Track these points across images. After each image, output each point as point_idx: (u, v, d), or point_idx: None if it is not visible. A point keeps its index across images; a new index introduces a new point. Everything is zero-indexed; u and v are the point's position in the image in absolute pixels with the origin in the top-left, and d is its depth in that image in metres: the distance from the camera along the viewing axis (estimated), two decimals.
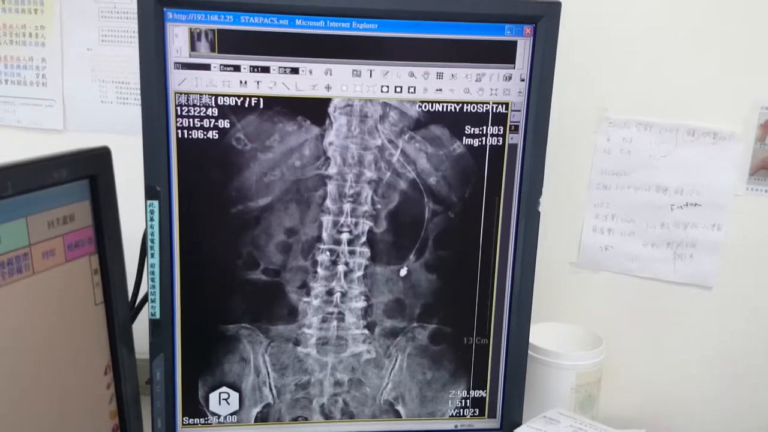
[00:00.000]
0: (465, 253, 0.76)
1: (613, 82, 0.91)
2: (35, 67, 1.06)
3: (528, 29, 0.72)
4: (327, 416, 0.77)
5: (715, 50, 0.88)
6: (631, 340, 0.95)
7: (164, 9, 0.67)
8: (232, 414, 0.76)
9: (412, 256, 0.75)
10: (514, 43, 0.72)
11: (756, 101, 0.87)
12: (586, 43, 0.90)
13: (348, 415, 0.77)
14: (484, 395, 0.79)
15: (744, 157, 0.88)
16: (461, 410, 0.79)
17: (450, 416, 0.79)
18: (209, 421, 0.76)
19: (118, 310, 0.56)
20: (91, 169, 0.51)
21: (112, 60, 1.04)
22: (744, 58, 0.87)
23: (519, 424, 0.78)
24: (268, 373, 0.76)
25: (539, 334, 0.88)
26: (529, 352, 0.83)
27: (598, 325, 0.93)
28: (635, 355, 0.95)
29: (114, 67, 1.04)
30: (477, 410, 0.79)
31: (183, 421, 0.75)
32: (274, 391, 0.76)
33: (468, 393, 0.79)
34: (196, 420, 0.75)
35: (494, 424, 0.80)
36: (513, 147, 0.75)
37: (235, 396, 0.76)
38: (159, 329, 0.72)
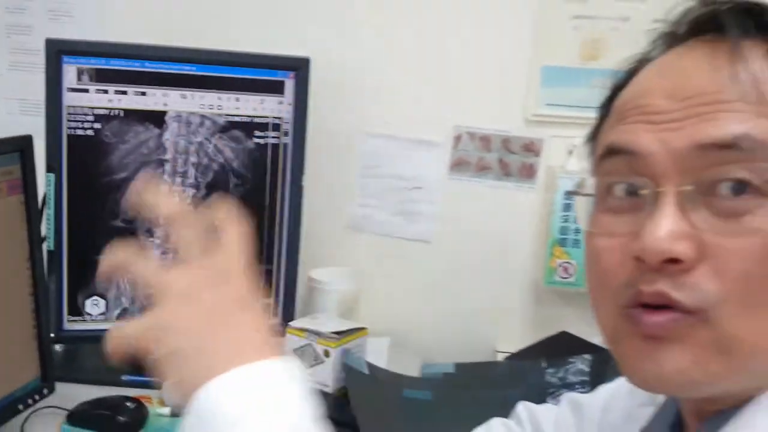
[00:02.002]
0: (256, 210, 1.21)
1: (367, 106, 1.39)
2: None
3: (291, 74, 1.19)
4: None
5: (428, 86, 1.37)
6: (381, 276, 1.42)
7: (61, 55, 1.08)
8: (100, 314, 1.17)
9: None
10: (283, 82, 1.19)
11: (452, 121, 1.37)
12: (352, 78, 1.37)
13: None
14: (269, 302, 1.24)
15: (446, 157, 1.38)
16: None
17: None
18: (85, 319, 1.16)
19: (34, 229, 0.96)
20: (21, 145, 0.92)
21: (15, 83, 1.42)
22: (445, 92, 1.37)
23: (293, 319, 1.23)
24: (125, 288, 1.17)
25: (321, 272, 1.33)
26: (310, 281, 1.28)
27: (361, 266, 1.39)
28: (384, 285, 1.41)
29: (17, 87, 1.42)
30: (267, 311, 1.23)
31: (68, 318, 1.15)
32: (128, 300, 1.17)
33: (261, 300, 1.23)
34: (77, 317, 1.15)
35: (275, 321, 1.24)
36: (285, 144, 1.21)
37: (102, 302, 1.17)
38: (53, 257, 1.12)
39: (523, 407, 0.87)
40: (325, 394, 1.16)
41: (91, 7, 1.39)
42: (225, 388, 0.48)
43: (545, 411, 0.85)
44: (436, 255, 1.41)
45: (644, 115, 0.51)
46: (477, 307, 1.40)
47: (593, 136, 0.58)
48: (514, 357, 1.29)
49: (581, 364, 1.17)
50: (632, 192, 0.52)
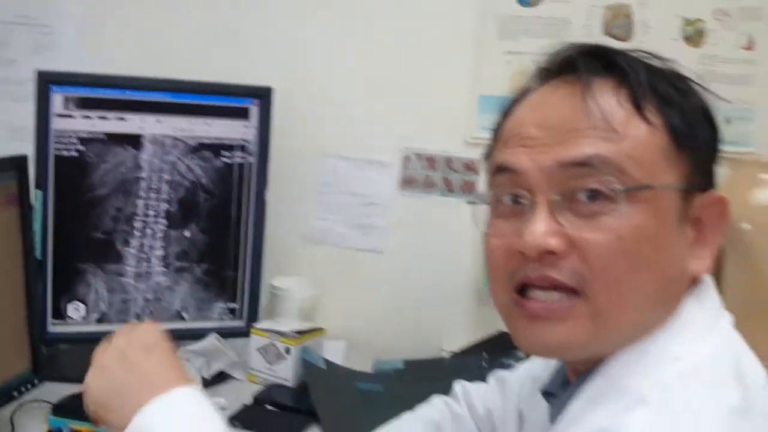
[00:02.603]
0: (223, 222, 1.35)
1: (324, 130, 1.54)
2: None
3: (256, 101, 1.34)
4: (139, 319, 1.32)
5: (380, 112, 1.52)
6: (337, 284, 1.56)
7: (49, 85, 1.22)
8: (81, 317, 1.29)
9: (192, 224, 1.33)
10: (248, 108, 1.34)
11: (401, 143, 1.53)
12: (311, 105, 1.52)
13: (152, 318, 1.32)
14: (235, 306, 1.37)
15: (396, 176, 1.54)
16: (222, 315, 1.36)
17: (214, 318, 1.36)
18: (67, 322, 1.28)
19: (27, 237, 1.09)
20: (18, 164, 1.06)
21: (0, 110, 1.54)
22: (394, 118, 1.52)
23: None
24: (104, 294, 1.29)
25: (282, 281, 1.46)
26: (272, 289, 1.42)
27: (319, 275, 1.53)
28: (340, 292, 1.55)
29: (2, 114, 1.54)
30: (232, 315, 1.37)
31: (52, 321, 1.26)
32: (106, 305, 1.30)
33: (226, 304, 1.36)
34: (59, 321, 1.27)
35: (240, 323, 1.37)
36: (250, 164, 1.35)
37: (83, 307, 1.29)
38: (39, 265, 1.24)
39: (458, 385, 1.02)
40: (287, 388, 1.29)
41: (69, 41, 1.53)
42: (149, 415, 0.68)
43: (476, 387, 1.00)
44: (387, 264, 1.55)
45: (521, 140, 0.66)
46: (424, 310, 1.55)
47: (488, 156, 0.72)
48: (457, 354, 1.44)
49: (514, 360, 1.33)
50: (515, 201, 0.67)
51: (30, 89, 1.51)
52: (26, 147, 1.45)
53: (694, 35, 1.47)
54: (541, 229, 0.62)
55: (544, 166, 0.64)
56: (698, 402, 0.59)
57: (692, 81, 0.69)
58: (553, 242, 0.62)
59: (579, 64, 0.66)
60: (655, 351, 0.63)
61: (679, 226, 0.65)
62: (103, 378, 0.74)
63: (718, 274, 1.45)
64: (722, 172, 1.42)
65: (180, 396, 0.71)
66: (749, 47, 1.46)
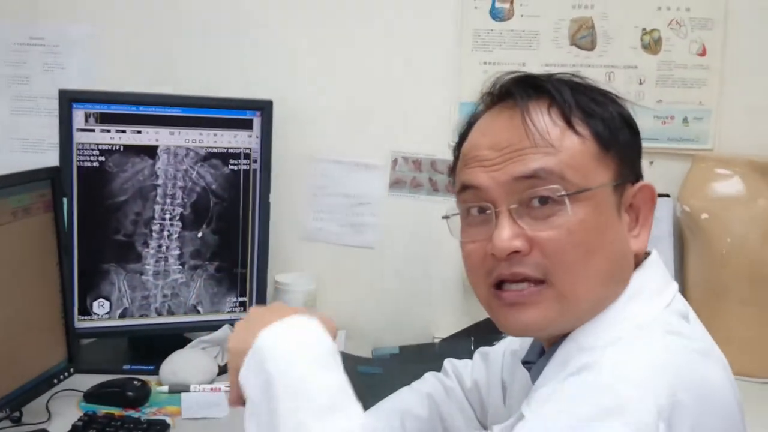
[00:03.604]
0: (232, 224, 1.47)
1: (319, 137, 1.67)
2: None
3: (258, 113, 1.47)
4: (159, 313, 1.44)
5: (369, 119, 1.66)
6: (335, 278, 1.69)
7: (72, 102, 1.34)
8: (105, 313, 1.41)
9: (204, 226, 1.45)
10: (251, 120, 1.47)
11: (389, 147, 1.67)
12: (307, 115, 1.65)
13: (170, 313, 1.45)
14: (245, 299, 1.50)
15: (386, 177, 1.67)
16: (233, 308, 1.49)
17: (227, 311, 1.49)
18: (92, 318, 1.40)
19: (62, 239, 1.21)
20: (52, 174, 1.18)
21: (17, 126, 1.65)
22: (383, 124, 1.66)
23: None
24: (126, 291, 1.41)
25: (284, 276, 1.59)
26: (276, 284, 1.55)
27: (318, 271, 1.66)
28: (338, 286, 1.68)
29: (19, 130, 1.65)
30: (242, 308, 1.50)
31: (78, 317, 1.38)
32: (129, 300, 1.42)
33: (237, 298, 1.49)
34: (85, 317, 1.39)
35: None
36: (255, 170, 1.49)
37: (106, 303, 1.41)
38: None
39: (448, 363, 1.15)
40: None
41: (78, 60, 1.65)
42: (273, 332, 0.75)
43: (464, 364, 1.14)
44: (379, 259, 1.69)
45: (478, 162, 0.79)
46: (416, 301, 1.69)
47: (452, 172, 0.86)
48: (447, 339, 1.58)
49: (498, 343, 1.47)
50: (482, 211, 0.80)
51: (43, 105, 1.64)
52: (41, 158, 1.59)
53: (651, 43, 1.64)
54: (506, 234, 0.76)
55: (501, 182, 0.77)
56: (656, 338, 0.73)
57: (609, 93, 0.82)
58: (518, 243, 0.76)
59: (514, 91, 0.80)
60: (612, 316, 0.77)
61: (617, 214, 0.79)
62: (237, 329, 0.81)
63: (681, 260, 1.62)
64: (682, 168, 1.59)
65: (299, 319, 0.79)
66: (702, 53, 1.63)
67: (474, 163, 0.79)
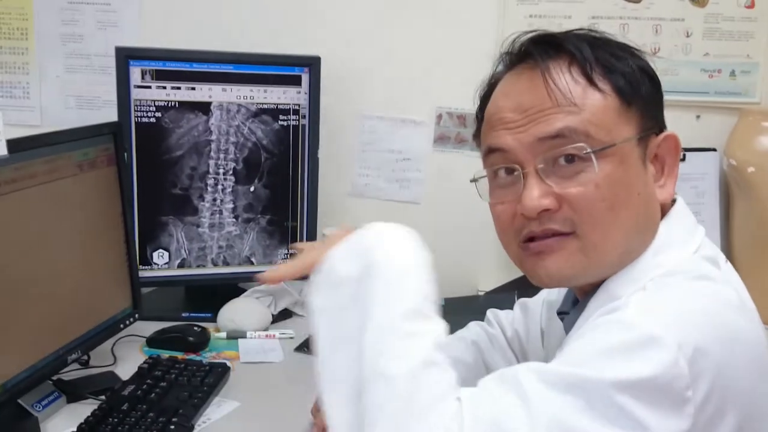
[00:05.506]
0: (282, 179, 1.52)
1: (365, 94, 1.70)
2: (21, 87, 1.72)
3: (306, 69, 1.50)
4: (215, 264, 1.50)
5: (414, 76, 1.68)
6: None
7: (128, 60, 1.38)
8: (164, 263, 1.47)
9: (256, 180, 1.50)
10: (299, 76, 1.50)
11: (434, 103, 1.69)
12: (354, 72, 1.67)
13: (226, 264, 1.50)
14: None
15: (430, 133, 1.70)
16: (285, 259, 1.54)
17: (279, 262, 1.54)
18: (152, 267, 1.46)
19: (125, 192, 1.27)
20: (114, 129, 1.23)
21: (71, 83, 1.71)
22: (427, 81, 1.68)
23: None
24: (184, 242, 1.47)
25: (332, 230, 1.63)
26: (323, 238, 1.59)
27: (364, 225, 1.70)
28: None
29: (73, 87, 1.71)
30: None
31: (139, 267, 1.45)
32: (186, 251, 1.48)
33: (288, 250, 1.54)
34: (146, 267, 1.46)
35: None
36: (303, 126, 1.52)
37: (166, 254, 1.47)
38: None
39: (491, 312, 1.19)
40: None
41: (131, 18, 1.69)
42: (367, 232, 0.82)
43: (505, 314, 1.17)
44: (424, 214, 1.72)
45: (503, 125, 0.80)
46: (461, 255, 1.72)
47: (476, 136, 0.87)
48: (490, 293, 1.62)
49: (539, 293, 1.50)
50: (509, 173, 0.81)
51: (97, 62, 1.69)
52: (96, 115, 1.65)
53: None
54: (535, 193, 0.77)
55: (527, 143, 0.78)
56: (685, 283, 0.75)
57: (627, 46, 0.82)
58: (547, 202, 0.77)
59: (534, 51, 0.80)
60: (641, 266, 0.79)
61: (642, 166, 0.80)
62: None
63: (727, 213, 1.62)
64: (728, 122, 1.58)
65: (395, 226, 0.85)
66: (751, 5, 1.61)
67: (499, 125, 0.80)
